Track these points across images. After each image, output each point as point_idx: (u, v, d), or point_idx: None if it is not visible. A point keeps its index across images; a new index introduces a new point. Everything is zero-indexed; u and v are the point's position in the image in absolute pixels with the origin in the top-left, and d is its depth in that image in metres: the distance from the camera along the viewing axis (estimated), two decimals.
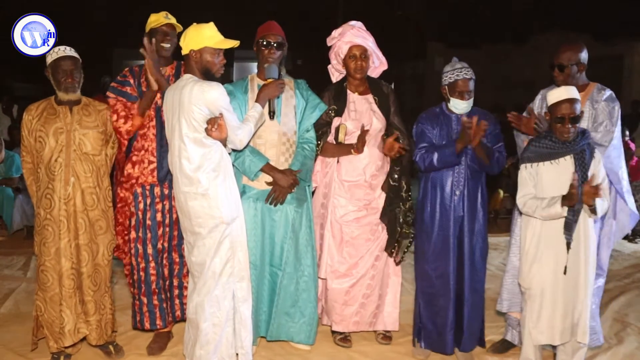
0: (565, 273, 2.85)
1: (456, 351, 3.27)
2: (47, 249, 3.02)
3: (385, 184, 3.39)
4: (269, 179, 3.17)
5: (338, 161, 3.40)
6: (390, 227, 3.39)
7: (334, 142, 3.39)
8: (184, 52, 2.86)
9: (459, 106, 3.14)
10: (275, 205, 3.18)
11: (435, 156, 3.10)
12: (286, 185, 3.14)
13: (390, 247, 3.42)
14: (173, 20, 3.20)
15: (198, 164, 2.78)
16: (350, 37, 3.34)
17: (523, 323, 3.01)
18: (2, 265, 5.16)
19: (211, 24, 2.88)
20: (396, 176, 3.37)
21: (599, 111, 3.13)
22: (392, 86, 3.54)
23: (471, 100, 3.15)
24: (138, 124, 3.12)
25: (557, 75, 3.17)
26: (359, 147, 3.30)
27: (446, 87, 3.16)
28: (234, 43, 2.89)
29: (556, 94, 2.86)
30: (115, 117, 3.09)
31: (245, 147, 3.03)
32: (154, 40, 3.13)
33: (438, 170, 3.16)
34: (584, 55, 3.17)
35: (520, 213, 3.06)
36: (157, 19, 3.17)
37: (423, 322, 3.30)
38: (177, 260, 3.28)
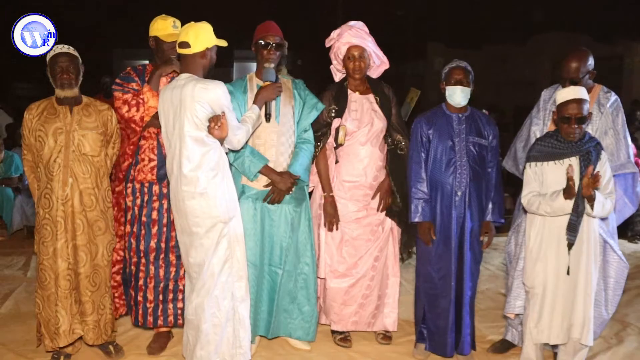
0: (568, 273, 2.85)
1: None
2: (46, 249, 3.02)
3: (388, 210, 3.42)
4: (265, 179, 3.18)
5: (337, 161, 3.40)
6: (407, 229, 3.41)
7: (334, 144, 3.38)
8: (196, 50, 2.84)
9: (453, 93, 3.11)
10: (272, 204, 3.19)
11: (412, 180, 3.17)
12: (284, 188, 3.15)
13: (408, 248, 3.46)
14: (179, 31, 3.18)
15: (198, 163, 2.78)
16: (348, 37, 3.33)
17: (525, 322, 3.01)
18: (2, 265, 5.16)
19: (206, 22, 2.92)
20: (398, 200, 3.39)
21: (603, 119, 3.13)
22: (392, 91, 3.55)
23: (466, 92, 3.11)
24: (154, 105, 3.07)
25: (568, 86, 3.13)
26: (330, 224, 3.36)
27: (444, 82, 3.16)
28: (224, 42, 2.95)
29: (564, 94, 2.86)
30: (126, 107, 3.09)
31: (243, 148, 3.04)
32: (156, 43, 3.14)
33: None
34: (592, 62, 3.14)
35: (525, 212, 3.05)
36: (165, 29, 3.16)
37: (427, 324, 3.28)
38: (174, 262, 3.26)
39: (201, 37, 2.83)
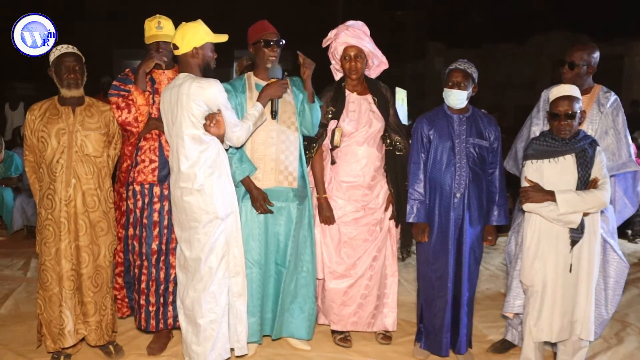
0: (570, 271, 2.85)
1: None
2: (48, 249, 3.02)
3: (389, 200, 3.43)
4: (266, 179, 3.18)
5: (334, 162, 3.39)
6: (405, 229, 3.41)
7: (330, 145, 3.38)
8: (184, 50, 2.88)
9: (448, 97, 3.11)
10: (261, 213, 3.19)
11: (409, 181, 3.19)
12: (257, 205, 3.14)
13: (407, 247, 3.47)
14: (166, 31, 3.18)
15: (195, 160, 2.81)
16: (345, 37, 3.33)
17: (524, 320, 3.01)
18: (2, 265, 5.16)
19: (200, 21, 2.93)
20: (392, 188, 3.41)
21: (603, 118, 3.13)
22: (394, 90, 3.55)
23: (463, 95, 3.09)
24: (142, 103, 3.09)
25: (566, 72, 3.16)
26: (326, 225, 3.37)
27: (443, 83, 3.16)
28: (225, 37, 2.98)
29: (555, 91, 2.88)
30: (119, 112, 3.08)
31: (234, 151, 3.05)
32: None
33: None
34: (596, 58, 3.16)
35: (523, 212, 3.04)
36: (148, 30, 3.18)
37: (424, 323, 3.30)
38: (174, 264, 3.25)
39: (187, 37, 2.87)
